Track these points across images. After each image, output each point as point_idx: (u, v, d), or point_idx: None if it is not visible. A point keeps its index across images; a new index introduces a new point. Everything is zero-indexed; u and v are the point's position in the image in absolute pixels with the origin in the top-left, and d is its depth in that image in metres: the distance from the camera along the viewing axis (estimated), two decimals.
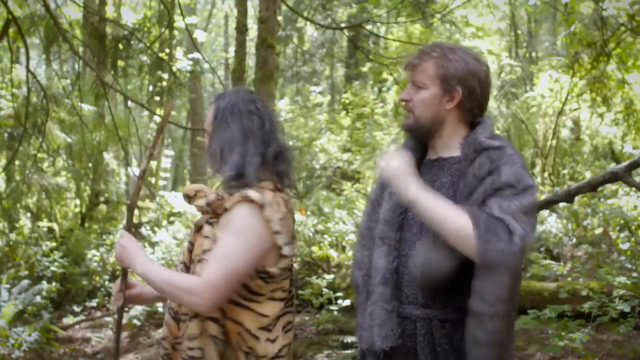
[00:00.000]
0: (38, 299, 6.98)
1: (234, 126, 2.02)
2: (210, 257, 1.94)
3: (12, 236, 8.68)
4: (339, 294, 6.64)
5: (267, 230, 1.93)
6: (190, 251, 2.05)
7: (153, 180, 12.56)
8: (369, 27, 10.50)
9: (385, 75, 11.70)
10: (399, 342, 1.91)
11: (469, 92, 1.92)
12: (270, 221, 1.93)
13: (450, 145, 1.98)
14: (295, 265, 7.32)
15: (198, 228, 2.06)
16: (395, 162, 1.93)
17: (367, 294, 1.98)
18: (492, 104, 12.49)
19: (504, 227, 1.74)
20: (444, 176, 1.95)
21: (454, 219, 1.78)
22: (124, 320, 7.28)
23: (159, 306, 7.28)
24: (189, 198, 2.07)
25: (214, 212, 2.00)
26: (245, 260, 1.91)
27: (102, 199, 10.82)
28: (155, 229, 10.28)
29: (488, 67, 1.99)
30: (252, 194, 1.93)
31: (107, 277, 8.88)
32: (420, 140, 2.04)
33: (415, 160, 2.02)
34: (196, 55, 11.25)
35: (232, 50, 15.16)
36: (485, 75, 1.96)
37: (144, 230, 10.23)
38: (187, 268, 2.05)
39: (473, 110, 1.96)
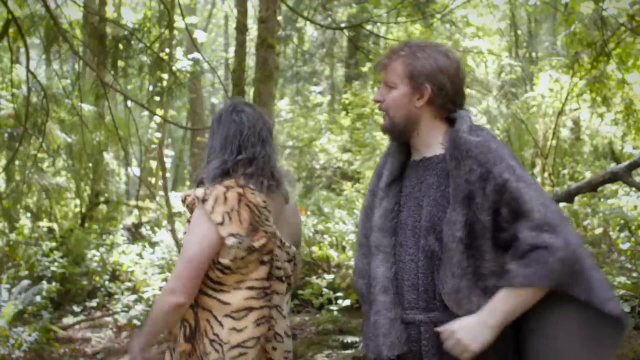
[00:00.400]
0: (38, 299, 6.98)
1: (217, 135, 2.25)
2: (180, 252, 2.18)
3: (12, 236, 8.68)
4: (339, 294, 6.64)
5: (209, 222, 2.07)
6: None
7: (153, 180, 12.56)
8: (369, 27, 10.50)
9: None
10: (405, 350, 1.90)
11: (439, 88, 1.92)
12: (212, 213, 2.07)
13: (431, 143, 1.97)
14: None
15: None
16: (459, 323, 1.80)
17: (370, 303, 1.97)
18: (492, 104, 12.48)
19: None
20: (430, 177, 1.95)
21: (521, 301, 1.76)
22: (124, 320, 7.28)
23: None
24: (183, 202, 2.25)
25: (192, 210, 2.18)
26: (197, 249, 2.08)
27: (102, 199, 10.82)
28: (156, 229, 10.29)
29: (459, 62, 1.98)
30: (197, 191, 2.13)
31: (107, 277, 8.88)
32: (399, 141, 2.03)
33: (402, 162, 2.03)
34: (196, 55, 11.25)
35: (232, 50, 15.16)
36: (456, 71, 1.95)
37: (144, 230, 10.24)
38: None
39: (446, 106, 1.95)
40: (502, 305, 1.75)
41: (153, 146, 11.43)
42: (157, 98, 11.08)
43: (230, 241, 2.06)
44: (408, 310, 1.91)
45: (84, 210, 10.45)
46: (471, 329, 1.75)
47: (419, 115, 1.95)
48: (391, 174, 2.01)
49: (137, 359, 2.19)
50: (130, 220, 11.26)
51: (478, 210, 1.80)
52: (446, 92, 1.93)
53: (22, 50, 7.81)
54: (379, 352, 1.91)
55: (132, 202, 11.24)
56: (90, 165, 10.14)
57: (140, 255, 9.17)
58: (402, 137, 2.00)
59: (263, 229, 2.12)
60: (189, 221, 2.19)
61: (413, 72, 1.92)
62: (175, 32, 12.26)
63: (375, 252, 1.97)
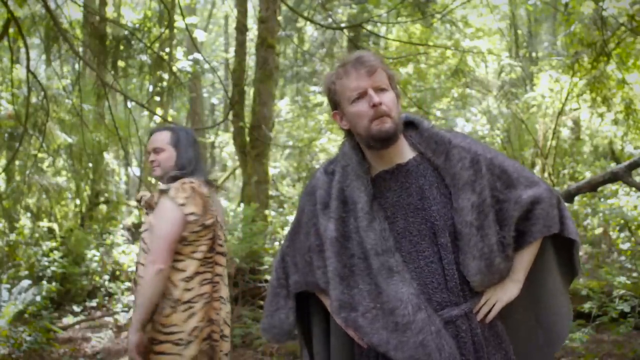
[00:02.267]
0: (38, 299, 6.98)
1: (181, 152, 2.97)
2: (151, 235, 2.75)
3: (12, 236, 8.68)
4: None
5: (174, 205, 2.74)
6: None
7: (153, 180, 12.56)
8: (369, 27, 10.50)
9: None
10: (459, 356, 1.88)
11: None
12: (176, 198, 2.74)
13: (403, 149, 1.99)
14: None
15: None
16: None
17: (395, 327, 1.86)
18: (492, 104, 12.49)
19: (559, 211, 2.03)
20: (415, 180, 1.95)
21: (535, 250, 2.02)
22: (124, 320, 7.28)
23: None
24: (138, 201, 2.92)
25: (150, 206, 2.85)
26: (169, 227, 2.72)
27: (102, 199, 10.82)
28: None
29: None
30: (161, 186, 2.84)
31: (107, 277, 8.88)
32: (387, 148, 1.95)
33: (368, 179, 1.97)
34: (196, 55, 11.25)
35: (232, 50, 15.15)
36: None
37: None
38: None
39: None
40: (522, 262, 2.00)
41: None
42: (157, 98, 11.08)
43: (190, 218, 2.73)
44: (440, 312, 1.90)
45: (84, 210, 10.46)
46: (503, 286, 1.98)
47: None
48: (369, 194, 1.94)
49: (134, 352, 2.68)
50: (130, 220, 11.27)
51: (481, 191, 1.91)
52: None
53: (22, 50, 7.81)
54: None
55: (132, 202, 11.25)
56: (90, 165, 10.14)
57: None
58: (394, 142, 1.95)
59: (210, 212, 2.82)
60: (147, 214, 2.86)
61: (392, 78, 1.96)
62: (175, 32, 12.27)
63: (387, 276, 1.88)
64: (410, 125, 2.05)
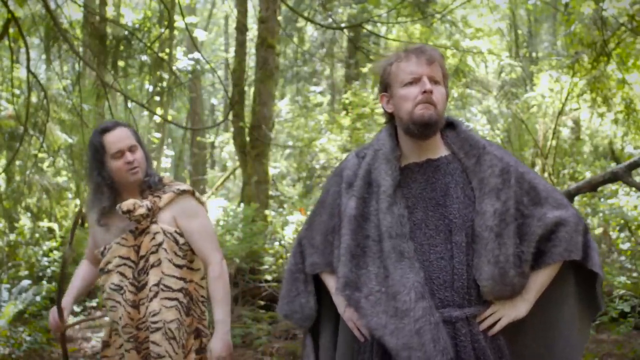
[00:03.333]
0: (38, 299, 6.98)
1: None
2: (200, 236, 2.64)
3: (12, 236, 8.67)
4: None
5: (199, 203, 2.71)
6: (137, 251, 2.63)
7: None
8: (369, 27, 10.49)
9: None
10: (454, 352, 1.86)
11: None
12: (199, 197, 2.70)
13: (438, 145, 2.03)
14: None
15: (140, 232, 2.63)
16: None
17: (395, 313, 1.85)
18: (492, 104, 12.49)
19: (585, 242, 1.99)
20: (443, 177, 1.98)
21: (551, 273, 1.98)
22: None
23: None
24: (130, 212, 2.57)
25: (153, 214, 2.61)
26: (213, 225, 2.74)
27: None
28: None
29: None
30: (182, 185, 2.70)
31: None
32: (425, 138, 2.00)
33: (397, 167, 1.99)
34: (196, 55, 11.25)
35: (232, 50, 15.15)
36: None
37: None
38: (135, 263, 2.63)
39: None
40: (536, 282, 1.94)
41: (153, 146, 11.43)
42: (157, 98, 11.08)
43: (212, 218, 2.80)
44: (441, 309, 1.89)
45: (84, 210, 10.45)
46: (512, 302, 1.93)
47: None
48: (394, 179, 1.97)
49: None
50: None
51: (506, 200, 1.91)
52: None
53: (23, 50, 7.81)
54: None
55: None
56: None
57: None
58: (433, 133, 2.01)
59: None
60: (154, 222, 2.63)
61: (446, 77, 2.02)
62: (175, 32, 12.27)
63: (396, 259, 1.88)
64: (449, 126, 2.09)
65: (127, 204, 2.57)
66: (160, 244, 2.60)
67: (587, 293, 2.04)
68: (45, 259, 8.36)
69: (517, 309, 1.93)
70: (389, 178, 1.96)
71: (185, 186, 2.69)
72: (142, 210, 2.57)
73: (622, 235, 7.73)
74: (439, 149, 2.03)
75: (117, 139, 2.58)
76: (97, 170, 2.64)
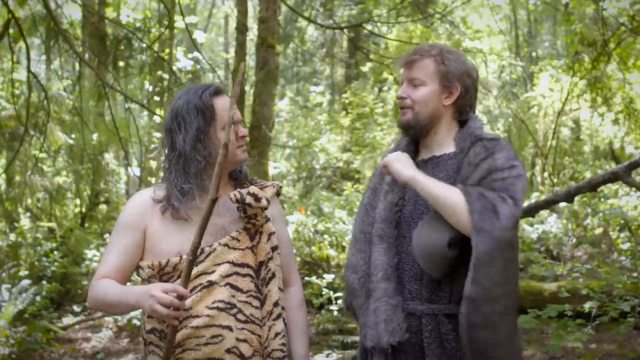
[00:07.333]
0: (38, 299, 6.98)
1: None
2: (289, 249, 2.17)
3: (13, 236, 8.67)
4: (339, 294, 6.64)
5: None
6: (255, 253, 2.01)
7: (153, 180, 12.56)
8: (369, 27, 10.49)
9: (385, 75, 11.70)
10: (406, 337, 1.90)
11: (465, 90, 2.02)
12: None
13: (444, 142, 2.04)
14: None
15: (256, 231, 2.02)
16: (394, 153, 2.03)
17: (367, 293, 1.98)
18: (492, 104, 12.49)
19: (494, 205, 1.80)
20: (440, 173, 1.99)
21: (449, 195, 1.83)
22: (124, 320, 7.28)
23: None
24: (240, 202, 1.97)
25: (265, 208, 2.01)
26: None
27: (102, 199, 10.82)
28: None
29: (477, 70, 2.10)
30: (274, 182, 2.17)
31: None
32: (415, 139, 2.08)
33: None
34: (196, 55, 11.25)
35: (232, 50, 15.15)
36: (476, 77, 2.08)
37: None
38: (255, 271, 2.01)
39: (464, 108, 2.05)
40: (431, 181, 1.88)
41: (153, 146, 11.43)
42: (157, 98, 11.07)
43: None
44: (409, 301, 1.93)
45: (84, 210, 10.46)
46: (403, 160, 1.94)
47: (442, 114, 2.03)
48: None
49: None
50: None
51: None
52: (470, 94, 2.03)
53: (23, 50, 7.81)
54: (378, 339, 1.90)
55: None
56: (91, 165, 10.14)
57: None
58: (421, 133, 2.04)
59: None
60: (267, 219, 2.04)
61: (446, 72, 2.00)
62: (175, 32, 12.26)
63: (377, 242, 1.99)
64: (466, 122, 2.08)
65: (248, 192, 1.96)
66: (275, 248, 2.05)
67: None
68: (45, 259, 8.36)
69: (402, 166, 1.93)
70: None
71: (280, 183, 2.17)
72: (264, 203, 1.98)
73: (622, 235, 7.73)
74: (444, 146, 2.04)
75: (229, 106, 1.85)
76: (202, 143, 1.94)
